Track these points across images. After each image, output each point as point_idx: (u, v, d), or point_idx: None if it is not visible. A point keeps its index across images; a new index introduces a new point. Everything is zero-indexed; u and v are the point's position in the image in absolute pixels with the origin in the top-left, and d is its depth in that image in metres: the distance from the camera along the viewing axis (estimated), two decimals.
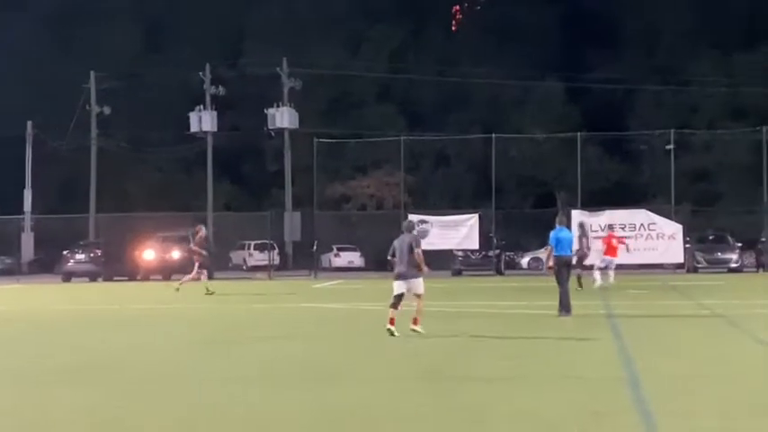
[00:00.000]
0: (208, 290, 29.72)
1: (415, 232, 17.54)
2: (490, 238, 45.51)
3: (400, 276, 16.77)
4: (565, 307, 19.85)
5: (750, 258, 45.57)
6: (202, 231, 31.62)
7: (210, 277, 33.20)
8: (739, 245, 44.86)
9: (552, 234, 20.22)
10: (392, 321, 16.54)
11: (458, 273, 45.20)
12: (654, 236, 42.09)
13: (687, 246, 43.19)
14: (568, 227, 21.94)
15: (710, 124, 58.99)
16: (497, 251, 45.99)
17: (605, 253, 31.68)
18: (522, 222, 54.45)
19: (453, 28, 79.74)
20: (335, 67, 62.13)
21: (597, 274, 30.42)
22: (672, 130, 47.27)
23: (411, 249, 16.65)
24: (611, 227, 36.13)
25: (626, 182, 61.65)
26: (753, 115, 57.59)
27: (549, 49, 66.75)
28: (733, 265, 43.60)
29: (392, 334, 16.38)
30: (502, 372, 12.70)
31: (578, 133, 47.80)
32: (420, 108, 66.64)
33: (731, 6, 65.63)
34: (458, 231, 44.55)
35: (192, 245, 31.50)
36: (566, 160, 52.94)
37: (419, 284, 16.77)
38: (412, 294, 16.80)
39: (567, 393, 10.82)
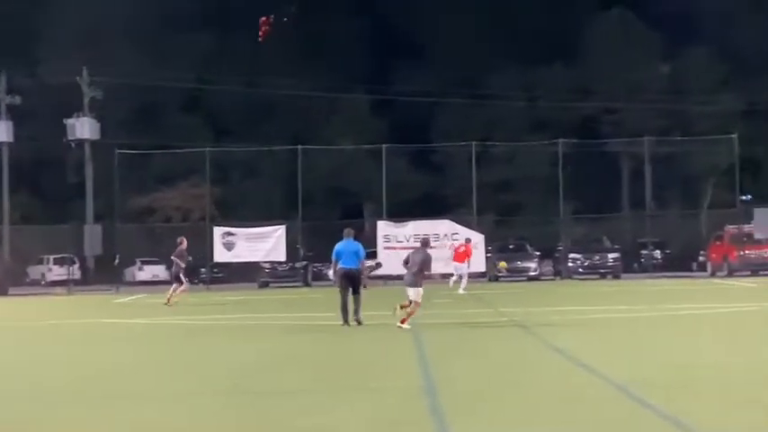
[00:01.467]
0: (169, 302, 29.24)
1: (428, 250, 20.32)
2: (297, 249, 45.51)
3: (405, 283, 19.82)
4: (343, 317, 20.34)
5: (548, 267, 47.15)
6: (184, 243, 30.89)
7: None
8: (538, 253, 46.33)
9: (336, 247, 20.78)
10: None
11: (265, 285, 44.98)
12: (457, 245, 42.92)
13: (489, 255, 44.32)
14: (359, 239, 22.56)
15: (511, 136, 60.75)
16: (304, 262, 45.99)
17: (453, 259, 35.53)
18: (329, 233, 54.42)
19: (260, 38, 79.34)
20: (139, 76, 60.77)
21: (452, 281, 35.00)
22: (473, 143, 48.37)
23: (423, 263, 19.58)
24: (468, 239, 38.08)
25: (431, 193, 62.76)
26: (550, 128, 59.74)
27: (355, 61, 67.29)
28: (532, 274, 44.99)
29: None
30: (304, 384, 12.55)
31: (383, 145, 48.45)
32: (227, 119, 65.96)
33: (531, 22, 67.80)
34: (264, 243, 44.39)
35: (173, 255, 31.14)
36: (372, 172, 53.46)
37: (415, 293, 19.47)
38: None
39: (366, 404, 10.78)
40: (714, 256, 45.84)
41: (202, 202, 53.40)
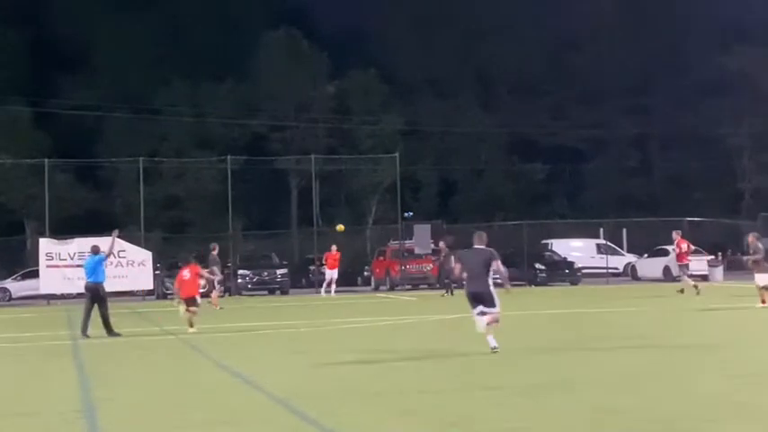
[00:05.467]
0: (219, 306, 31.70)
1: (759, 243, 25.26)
2: None
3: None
4: (83, 329, 21.56)
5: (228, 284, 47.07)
6: (216, 249, 34.21)
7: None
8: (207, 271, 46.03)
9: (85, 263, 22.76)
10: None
11: None
12: (124, 263, 41.93)
13: (157, 272, 43.66)
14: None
15: (179, 153, 60.27)
16: None
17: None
18: None
19: None
20: None
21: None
22: (141, 158, 47.52)
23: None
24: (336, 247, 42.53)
25: (98, 209, 61.04)
26: (219, 145, 59.81)
27: (15, 73, 64.20)
28: (201, 291, 44.43)
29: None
30: None
31: (46, 160, 46.67)
32: None
33: (199, 38, 67.63)
34: None
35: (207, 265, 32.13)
36: (34, 187, 51.33)
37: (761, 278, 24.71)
38: None
39: (20, 430, 10.26)
40: (378, 270, 47.52)
41: None
